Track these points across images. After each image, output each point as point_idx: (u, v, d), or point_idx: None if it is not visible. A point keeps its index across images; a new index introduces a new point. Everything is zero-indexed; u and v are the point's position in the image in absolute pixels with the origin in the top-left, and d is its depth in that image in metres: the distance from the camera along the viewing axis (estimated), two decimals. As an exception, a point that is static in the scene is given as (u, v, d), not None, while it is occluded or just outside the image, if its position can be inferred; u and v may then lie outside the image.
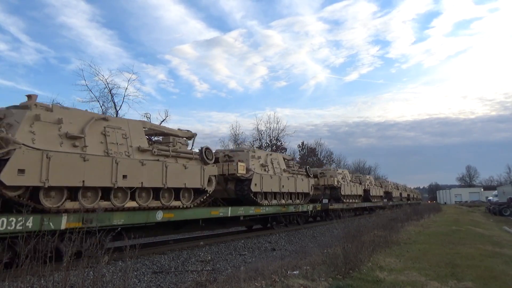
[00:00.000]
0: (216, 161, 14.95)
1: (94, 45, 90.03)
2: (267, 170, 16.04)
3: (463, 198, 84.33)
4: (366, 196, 30.91)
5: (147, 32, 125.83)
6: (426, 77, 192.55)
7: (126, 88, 28.64)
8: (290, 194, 17.81)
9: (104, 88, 27.87)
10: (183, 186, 10.83)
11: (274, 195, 16.52)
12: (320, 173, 24.44)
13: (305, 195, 19.55)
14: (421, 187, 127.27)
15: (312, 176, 20.40)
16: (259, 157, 16.25)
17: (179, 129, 12.30)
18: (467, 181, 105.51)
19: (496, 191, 48.20)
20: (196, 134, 12.94)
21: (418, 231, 14.92)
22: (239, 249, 11.68)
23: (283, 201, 17.22)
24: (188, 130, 12.68)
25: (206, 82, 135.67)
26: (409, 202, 51.57)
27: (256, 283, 5.54)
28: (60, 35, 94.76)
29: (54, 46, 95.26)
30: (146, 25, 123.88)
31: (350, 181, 27.64)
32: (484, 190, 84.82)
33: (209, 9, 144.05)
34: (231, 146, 40.45)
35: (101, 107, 27.79)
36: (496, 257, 8.98)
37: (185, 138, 12.21)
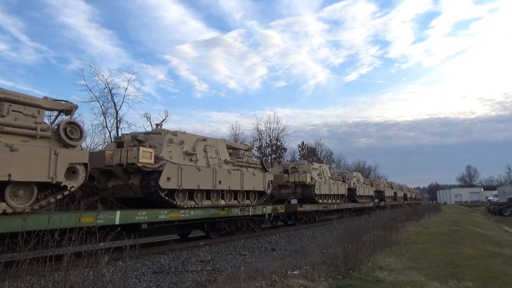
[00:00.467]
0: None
1: (94, 45, 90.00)
2: (193, 159, 12.03)
3: (463, 198, 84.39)
4: (351, 195, 27.33)
5: (146, 32, 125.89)
6: (426, 77, 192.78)
7: (126, 88, 28.61)
8: (235, 193, 13.80)
9: (104, 88, 27.85)
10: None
11: (207, 193, 12.48)
12: (292, 168, 20.36)
13: (260, 193, 15.19)
14: (421, 187, 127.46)
15: (270, 170, 15.96)
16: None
17: (45, 97, 10.02)
18: (467, 181, 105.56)
19: (496, 191, 48.26)
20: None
21: (418, 231, 14.92)
22: (239, 249, 11.68)
23: (223, 202, 13.02)
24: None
25: (206, 82, 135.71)
26: (406, 202, 48.77)
27: (256, 283, 5.54)
28: (60, 35, 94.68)
29: (54, 46, 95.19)
30: (146, 25, 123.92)
31: (331, 178, 23.47)
32: (484, 190, 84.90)
33: (209, 9, 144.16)
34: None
35: (101, 107, 27.79)
36: (496, 257, 8.98)
37: (58, 111, 10.13)
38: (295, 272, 6.46)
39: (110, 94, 28.05)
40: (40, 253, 3.79)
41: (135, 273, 7.56)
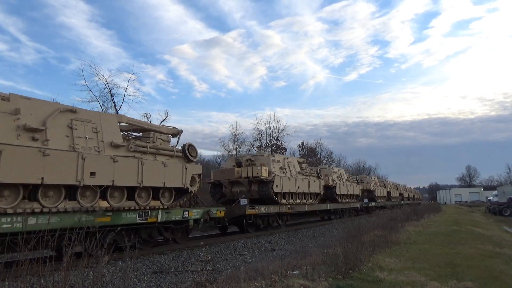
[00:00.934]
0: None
1: (94, 45, 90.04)
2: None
3: (463, 198, 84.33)
4: (330, 194, 23.64)
5: (146, 32, 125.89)
6: (426, 77, 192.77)
7: (126, 88, 28.59)
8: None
9: (104, 88, 27.82)
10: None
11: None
12: (247, 161, 16.87)
13: (179, 191, 11.91)
14: (421, 187, 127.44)
15: (195, 160, 12.19)
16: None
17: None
18: (467, 181, 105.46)
19: (496, 191, 48.27)
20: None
21: (418, 231, 14.92)
22: (239, 249, 11.68)
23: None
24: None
25: (206, 82, 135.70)
26: (403, 203, 46.18)
27: (256, 283, 5.54)
28: (60, 35, 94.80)
29: (53, 46, 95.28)
30: (145, 25, 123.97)
31: (300, 173, 19.31)
32: (484, 190, 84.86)
33: (208, 9, 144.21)
34: (231, 146, 40.51)
35: (101, 107, 27.75)
36: (496, 257, 8.98)
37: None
38: (295, 272, 6.46)
39: (110, 94, 28.04)
40: (40, 253, 3.80)
41: (135, 273, 7.56)
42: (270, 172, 15.95)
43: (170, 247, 10.93)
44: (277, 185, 16.06)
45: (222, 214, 13.02)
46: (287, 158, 18.79)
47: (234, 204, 15.21)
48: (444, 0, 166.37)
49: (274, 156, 17.46)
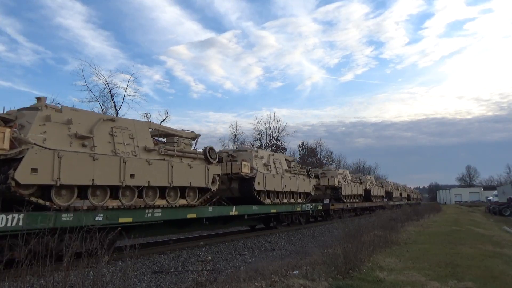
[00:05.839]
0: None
1: (91, 46, 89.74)
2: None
3: (463, 198, 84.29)
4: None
5: (143, 33, 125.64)
6: (422, 77, 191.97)
7: (126, 88, 28.61)
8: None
9: (104, 88, 27.85)
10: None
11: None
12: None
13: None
14: (421, 187, 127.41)
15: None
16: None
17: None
18: (467, 181, 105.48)
19: (496, 191, 48.24)
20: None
21: (418, 231, 14.92)
22: (239, 249, 11.68)
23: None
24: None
25: (202, 83, 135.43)
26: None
27: (256, 283, 5.54)
28: (57, 36, 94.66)
29: (51, 47, 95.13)
30: (142, 26, 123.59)
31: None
32: (484, 190, 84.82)
33: (204, 11, 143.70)
34: (231, 146, 40.47)
35: (101, 107, 27.79)
36: (496, 257, 8.98)
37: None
38: (295, 272, 6.46)
39: (110, 94, 28.07)
40: (40, 254, 3.80)
41: (135, 273, 7.56)
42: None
43: (170, 247, 10.94)
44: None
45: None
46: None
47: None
48: (437, 1, 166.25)
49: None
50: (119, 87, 29.13)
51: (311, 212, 19.24)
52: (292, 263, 7.51)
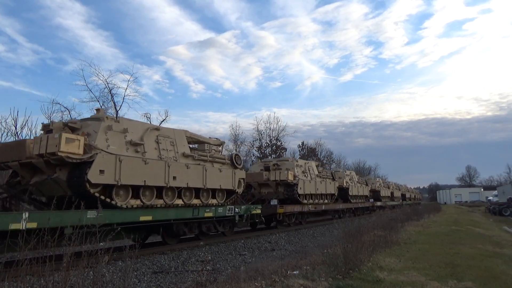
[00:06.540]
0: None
1: (90, 46, 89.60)
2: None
3: (463, 198, 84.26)
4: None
5: (142, 33, 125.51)
6: (421, 77, 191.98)
7: (126, 89, 28.60)
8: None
9: (104, 88, 27.84)
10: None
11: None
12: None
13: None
14: (421, 187, 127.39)
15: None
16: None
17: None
18: (467, 181, 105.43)
19: (496, 191, 48.22)
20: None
21: (418, 231, 14.92)
22: (239, 249, 11.68)
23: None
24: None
25: (202, 83, 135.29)
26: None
27: (256, 283, 5.54)
28: (57, 36, 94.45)
29: (50, 47, 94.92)
30: (141, 26, 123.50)
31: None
32: (484, 190, 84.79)
33: (204, 11, 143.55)
34: (231, 146, 40.54)
35: (101, 107, 27.74)
36: (496, 257, 8.98)
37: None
38: (295, 272, 6.46)
39: (110, 94, 28.06)
40: (40, 253, 3.80)
41: (135, 273, 7.56)
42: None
43: (170, 247, 10.94)
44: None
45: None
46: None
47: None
48: (436, 1, 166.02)
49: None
50: (119, 87, 29.16)
51: (236, 219, 13.54)
52: (292, 263, 7.51)
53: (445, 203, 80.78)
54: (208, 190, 12.11)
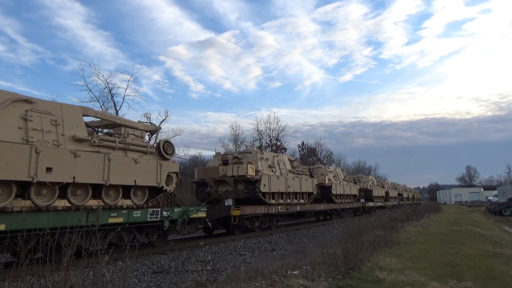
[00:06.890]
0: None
1: (90, 46, 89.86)
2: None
3: (463, 198, 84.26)
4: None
5: (142, 34, 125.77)
6: (421, 77, 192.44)
7: (126, 89, 28.58)
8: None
9: (104, 88, 27.82)
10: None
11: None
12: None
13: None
14: (421, 187, 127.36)
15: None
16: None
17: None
18: (467, 181, 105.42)
19: (496, 191, 48.22)
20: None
21: (418, 231, 14.91)
22: (239, 249, 11.68)
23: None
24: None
25: (201, 83, 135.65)
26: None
27: (256, 283, 5.54)
28: (56, 36, 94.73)
29: (50, 47, 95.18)
30: (141, 26, 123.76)
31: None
32: (484, 190, 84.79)
33: (203, 11, 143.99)
34: (231, 146, 40.45)
35: (101, 107, 27.76)
36: (496, 257, 8.98)
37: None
38: (295, 272, 6.46)
39: (110, 94, 28.04)
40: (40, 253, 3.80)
41: (135, 273, 7.57)
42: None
43: (170, 247, 10.94)
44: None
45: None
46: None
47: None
48: (435, 1, 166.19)
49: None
50: (119, 87, 29.19)
51: (166, 225, 10.55)
52: (292, 263, 7.51)
53: (445, 203, 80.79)
54: (117, 188, 9.28)
